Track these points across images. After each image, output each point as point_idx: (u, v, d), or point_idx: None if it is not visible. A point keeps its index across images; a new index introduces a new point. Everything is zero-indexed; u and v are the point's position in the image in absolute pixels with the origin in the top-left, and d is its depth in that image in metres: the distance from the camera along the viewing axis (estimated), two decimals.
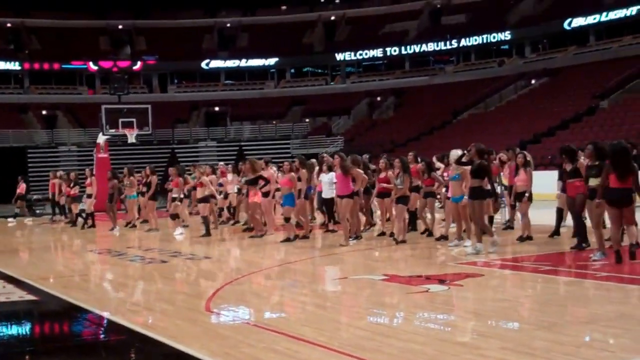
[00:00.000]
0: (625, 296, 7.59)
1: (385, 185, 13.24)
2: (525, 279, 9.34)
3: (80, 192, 20.34)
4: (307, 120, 47.59)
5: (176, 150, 41.72)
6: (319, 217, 16.91)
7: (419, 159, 14.40)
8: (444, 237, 12.87)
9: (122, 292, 9.41)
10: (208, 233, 15.58)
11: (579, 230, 11.12)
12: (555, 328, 6.19)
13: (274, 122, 47.17)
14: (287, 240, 13.69)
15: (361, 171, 13.40)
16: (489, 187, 11.28)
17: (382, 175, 13.37)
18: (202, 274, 10.97)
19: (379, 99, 48.41)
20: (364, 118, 47.16)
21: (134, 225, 18.81)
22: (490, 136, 31.47)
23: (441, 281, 8.67)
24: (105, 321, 7.49)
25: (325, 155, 17.15)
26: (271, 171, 15.89)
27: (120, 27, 54.13)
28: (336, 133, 44.04)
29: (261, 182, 14.92)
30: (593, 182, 9.78)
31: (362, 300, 8.06)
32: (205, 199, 15.91)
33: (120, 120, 29.06)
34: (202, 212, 15.97)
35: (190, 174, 18.32)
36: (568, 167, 11.08)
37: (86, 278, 11.05)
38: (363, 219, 15.02)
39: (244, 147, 41.77)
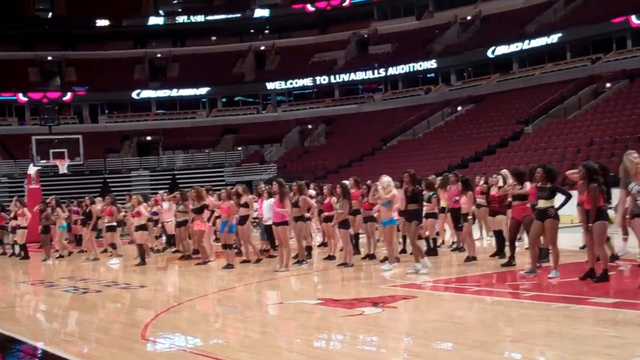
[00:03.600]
0: (552, 314, 7.83)
1: (327, 213, 13.71)
2: (457, 299, 9.63)
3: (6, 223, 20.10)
4: (239, 148, 47.55)
5: (108, 180, 41.00)
6: (259, 244, 17.00)
7: (359, 184, 14.74)
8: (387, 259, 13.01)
9: (56, 323, 9.30)
10: (143, 262, 15.50)
11: (513, 252, 11.66)
12: (486, 347, 6.42)
13: (207, 150, 46.98)
14: (229, 266, 13.77)
15: (305, 198, 13.61)
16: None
17: (327, 201, 13.75)
18: (138, 303, 10.91)
19: (310, 126, 48.80)
20: (296, 146, 47.46)
21: (62, 256, 18.50)
22: (420, 162, 32.19)
23: (375, 304, 8.84)
24: (39, 352, 7.42)
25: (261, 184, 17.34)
26: (212, 199, 16.05)
27: (49, 58, 53.38)
28: (269, 161, 44.12)
29: (207, 212, 15.06)
30: (543, 203, 10.17)
31: (297, 325, 8.17)
32: (142, 227, 15.89)
33: (51, 151, 28.77)
34: (138, 240, 15.91)
35: (123, 204, 18.21)
36: (515, 189, 11.52)
37: (19, 309, 10.86)
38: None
39: (177, 176, 41.41)
